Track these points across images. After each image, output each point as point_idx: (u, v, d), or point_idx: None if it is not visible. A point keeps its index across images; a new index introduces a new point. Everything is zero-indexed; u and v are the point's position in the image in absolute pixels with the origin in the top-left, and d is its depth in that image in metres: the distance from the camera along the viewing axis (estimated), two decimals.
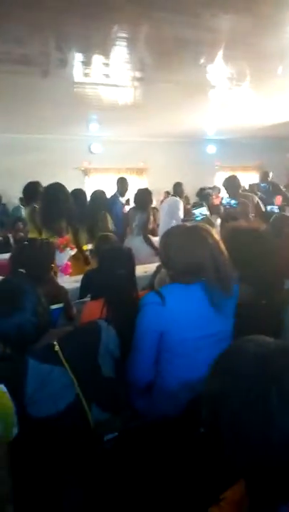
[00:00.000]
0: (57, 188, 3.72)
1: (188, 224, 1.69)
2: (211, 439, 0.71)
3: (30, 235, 4.21)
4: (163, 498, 1.17)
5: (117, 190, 5.95)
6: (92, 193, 4.61)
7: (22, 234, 7.11)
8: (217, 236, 1.61)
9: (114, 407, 1.35)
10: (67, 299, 2.19)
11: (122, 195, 5.99)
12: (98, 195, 4.56)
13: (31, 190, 4.32)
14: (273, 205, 4.59)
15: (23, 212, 8.96)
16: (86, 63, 4.35)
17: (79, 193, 4.53)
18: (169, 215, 5.48)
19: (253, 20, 3.22)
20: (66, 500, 1.19)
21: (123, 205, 6.03)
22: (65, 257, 3.58)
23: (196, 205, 2.14)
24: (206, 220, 2.07)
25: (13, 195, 8.91)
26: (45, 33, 3.48)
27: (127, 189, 5.99)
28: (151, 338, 1.49)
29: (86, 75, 4.75)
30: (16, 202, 9.04)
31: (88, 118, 7.64)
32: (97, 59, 4.23)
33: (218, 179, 11.42)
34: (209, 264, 1.50)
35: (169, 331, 1.49)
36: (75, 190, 4.50)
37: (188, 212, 5.64)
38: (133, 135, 9.58)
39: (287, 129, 9.11)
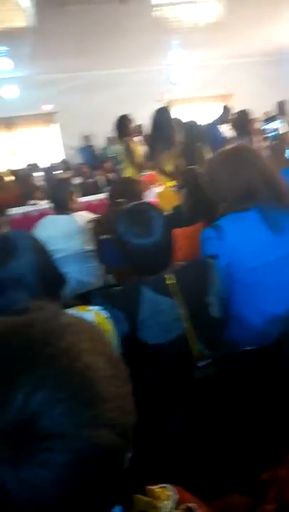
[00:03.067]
0: (159, 114, 3.59)
1: (228, 148, 1.55)
2: None
3: (127, 171, 4.21)
4: (255, 423, 1.22)
5: (220, 117, 5.36)
6: (185, 124, 4.36)
7: (110, 174, 7.26)
8: (262, 154, 1.49)
9: (217, 346, 1.38)
10: None
11: (223, 123, 5.38)
12: (191, 125, 4.29)
13: (122, 125, 4.24)
14: None
15: (110, 151, 9.09)
16: None
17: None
18: None
19: None
20: (169, 422, 1.29)
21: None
22: (150, 194, 3.60)
23: (269, 119, 1.87)
24: (279, 136, 1.84)
25: (99, 135, 9.02)
26: None
27: (229, 118, 5.35)
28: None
29: None
30: (103, 142, 9.14)
31: (168, 44, 7.22)
32: None
33: None
34: (259, 184, 1.40)
35: (233, 262, 1.46)
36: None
37: None
38: (216, 58, 8.86)
39: None
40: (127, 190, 2.10)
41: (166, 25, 5.64)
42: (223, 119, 5.37)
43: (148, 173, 3.76)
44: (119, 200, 2.05)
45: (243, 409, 1.31)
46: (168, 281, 1.29)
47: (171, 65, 9.15)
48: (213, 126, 5.26)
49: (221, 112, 5.47)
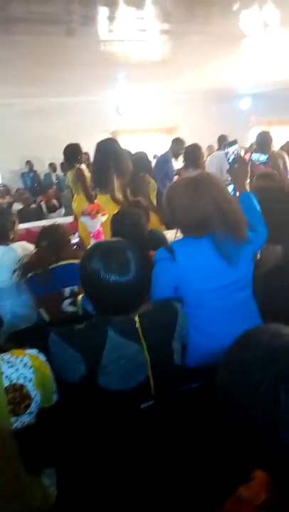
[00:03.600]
0: (110, 144, 3.65)
1: (189, 176, 1.59)
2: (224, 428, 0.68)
3: (77, 198, 4.17)
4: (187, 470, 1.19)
5: (171, 149, 5.53)
6: (133, 155, 4.36)
7: (54, 200, 7.18)
8: (222, 183, 1.53)
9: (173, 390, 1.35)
10: None
11: (176, 156, 5.52)
12: (138, 156, 4.38)
13: (73, 152, 4.25)
14: None
15: (54, 178, 9.05)
16: (111, 18, 4.15)
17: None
18: (218, 169, 5.22)
19: None
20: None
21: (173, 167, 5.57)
22: (97, 223, 3.57)
23: (230, 143, 1.95)
24: (240, 158, 1.93)
25: (43, 162, 8.94)
26: None
27: (181, 151, 5.42)
28: (165, 292, 1.50)
29: (112, 31, 4.55)
30: (46, 169, 9.07)
31: (115, 77, 7.40)
32: (122, 13, 4.02)
33: (253, 135, 10.96)
34: (215, 215, 1.44)
35: (182, 284, 1.51)
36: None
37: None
38: (162, 93, 9.24)
39: None
40: (51, 235, 2.15)
41: (113, 60, 5.78)
42: (174, 153, 5.55)
43: (95, 201, 3.77)
44: (42, 243, 2.09)
45: (189, 445, 1.28)
46: (137, 325, 1.22)
47: (119, 97, 9.38)
48: (167, 158, 5.39)
49: (172, 144, 5.66)
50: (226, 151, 1.88)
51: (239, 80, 8.69)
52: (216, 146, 7.91)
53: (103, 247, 1.25)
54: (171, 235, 3.72)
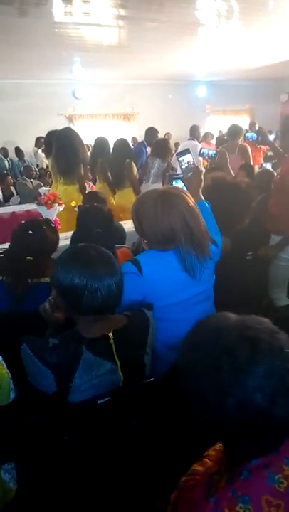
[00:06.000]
0: (68, 134, 3.61)
1: (158, 189, 1.59)
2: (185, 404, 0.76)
3: (54, 185, 4.02)
4: (148, 457, 1.24)
5: (145, 139, 5.54)
6: (115, 142, 4.32)
7: (12, 188, 6.93)
8: (190, 199, 1.54)
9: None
10: None
11: (150, 145, 5.45)
12: (122, 143, 4.32)
13: (52, 140, 4.02)
14: None
15: (7, 163, 8.74)
16: (66, 1, 4.03)
17: (101, 141, 4.33)
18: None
19: None
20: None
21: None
22: (53, 213, 3.52)
23: (183, 152, 1.96)
24: (193, 167, 1.92)
25: None
26: None
27: (156, 139, 5.45)
28: (132, 305, 1.50)
29: (67, 13, 4.42)
30: None
31: (71, 60, 7.21)
32: None
33: (209, 123, 11.11)
34: (181, 231, 1.45)
35: (148, 298, 1.52)
36: (97, 138, 4.36)
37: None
38: (119, 78, 9.12)
39: (280, 70, 8.73)
40: (38, 248, 1.86)
41: (69, 43, 5.65)
42: (148, 142, 5.52)
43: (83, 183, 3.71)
44: (26, 256, 1.78)
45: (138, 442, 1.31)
46: (111, 342, 1.21)
47: (75, 80, 9.15)
48: (142, 148, 5.37)
49: (145, 134, 5.64)
50: (179, 158, 1.89)
51: (195, 68, 8.75)
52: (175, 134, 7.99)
53: (79, 258, 1.22)
54: None
